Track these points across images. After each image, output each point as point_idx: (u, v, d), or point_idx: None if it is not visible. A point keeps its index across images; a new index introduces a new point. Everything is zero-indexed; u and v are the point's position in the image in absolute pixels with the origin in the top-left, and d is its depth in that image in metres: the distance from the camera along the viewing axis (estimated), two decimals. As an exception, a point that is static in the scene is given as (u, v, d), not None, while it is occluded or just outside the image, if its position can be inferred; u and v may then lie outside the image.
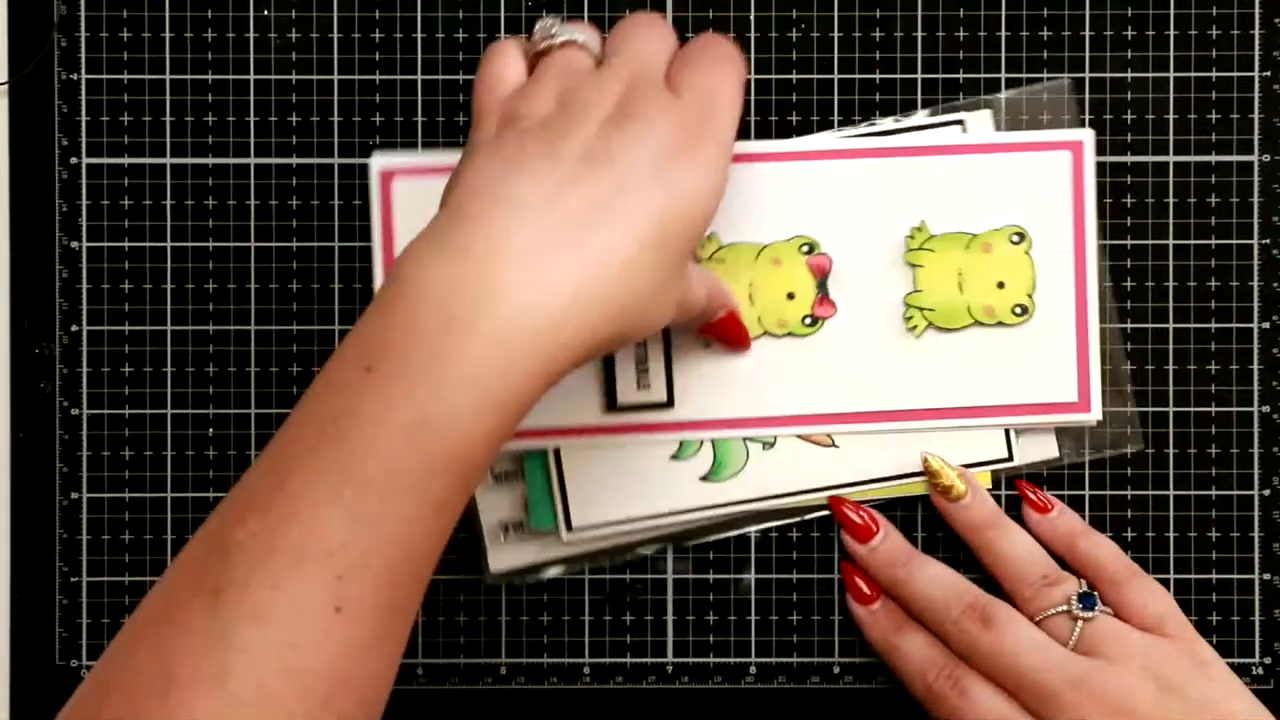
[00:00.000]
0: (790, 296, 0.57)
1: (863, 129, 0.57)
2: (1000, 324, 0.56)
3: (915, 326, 0.56)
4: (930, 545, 0.59)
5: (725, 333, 0.55)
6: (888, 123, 0.58)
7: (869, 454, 0.57)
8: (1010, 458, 0.58)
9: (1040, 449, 0.58)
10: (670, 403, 0.57)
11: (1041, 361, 0.57)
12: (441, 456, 0.42)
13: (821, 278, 0.56)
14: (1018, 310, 0.56)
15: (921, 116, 0.58)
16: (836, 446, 0.57)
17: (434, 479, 0.42)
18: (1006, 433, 0.58)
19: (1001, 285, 0.56)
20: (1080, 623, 0.54)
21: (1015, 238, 0.56)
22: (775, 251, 0.56)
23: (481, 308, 0.43)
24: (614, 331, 0.45)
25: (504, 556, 0.58)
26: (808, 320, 0.57)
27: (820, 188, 0.56)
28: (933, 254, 0.56)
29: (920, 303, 0.56)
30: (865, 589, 0.57)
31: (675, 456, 0.57)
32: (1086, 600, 0.55)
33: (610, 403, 0.57)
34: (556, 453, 0.57)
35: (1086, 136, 0.57)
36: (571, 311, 0.43)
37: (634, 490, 0.57)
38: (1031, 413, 0.57)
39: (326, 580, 0.41)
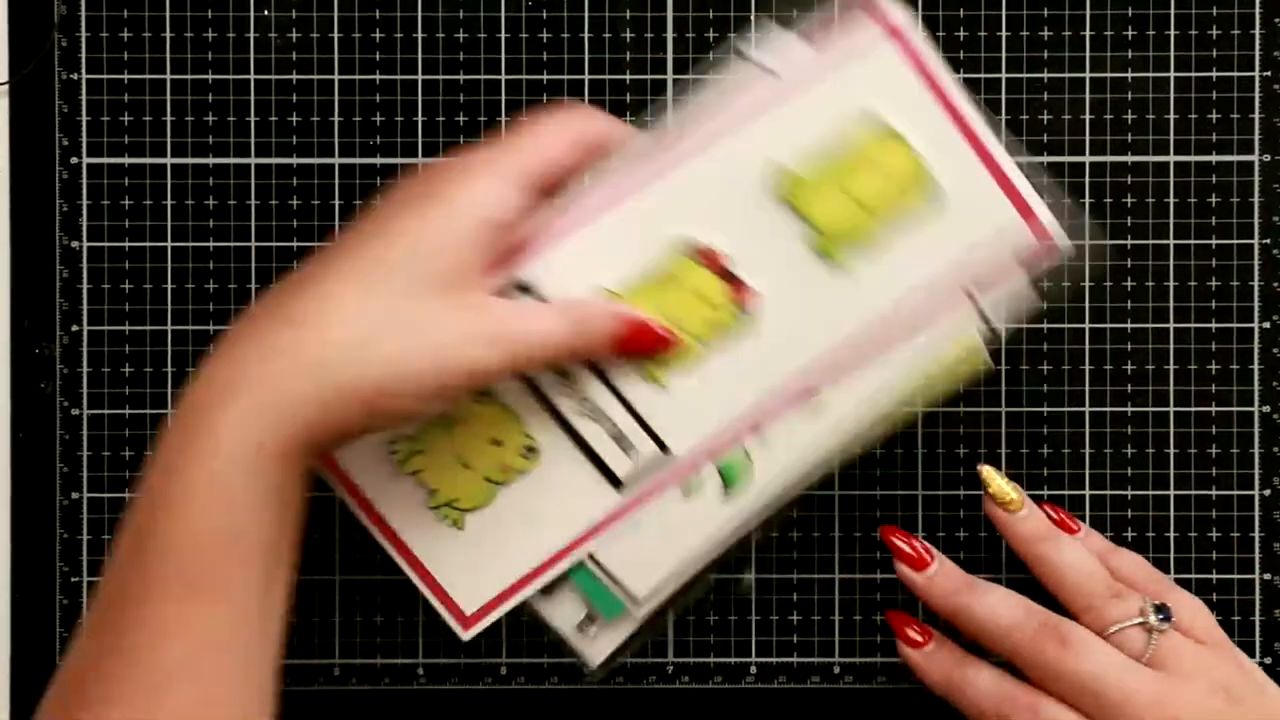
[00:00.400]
0: (708, 302, 0.55)
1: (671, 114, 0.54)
2: (916, 211, 0.54)
3: (838, 259, 0.54)
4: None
5: (640, 343, 0.52)
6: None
7: (854, 385, 0.55)
8: (986, 321, 0.55)
9: (1011, 297, 0.55)
10: (666, 449, 0.56)
11: (978, 222, 0.54)
12: (156, 552, 0.45)
13: (721, 269, 0.55)
14: (926, 195, 0.53)
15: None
16: (820, 394, 0.55)
17: (153, 586, 0.44)
18: (971, 299, 0.54)
19: (895, 181, 0.53)
20: (1155, 635, 0.53)
21: (886, 136, 0.53)
22: (663, 272, 0.54)
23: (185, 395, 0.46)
24: (346, 378, 0.45)
25: (597, 647, 0.58)
26: (738, 315, 0.55)
27: (672, 196, 0.53)
28: (814, 189, 0.54)
29: (828, 237, 0.54)
30: (916, 635, 0.57)
31: (686, 496, 0.56)
32: (1163, 612, 0.54)
33: (615, 484, 0.56)
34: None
35: (898, 14, 0.53)
36: (260, 376, 0.45)
37: (671, 540, 0.56)
38: (996, 272, 0.54)
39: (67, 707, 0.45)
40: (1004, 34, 0.59)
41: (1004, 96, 0.59)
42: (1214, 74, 0.59)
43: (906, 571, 0.56)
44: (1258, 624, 0.59)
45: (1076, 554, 0.55)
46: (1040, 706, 0.53)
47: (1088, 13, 0.59)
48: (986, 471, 0.56)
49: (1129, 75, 0.59)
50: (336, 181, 0.59)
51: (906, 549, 0.57)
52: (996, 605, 0.55)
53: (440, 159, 0.51)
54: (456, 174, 0.48)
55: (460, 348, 0.47)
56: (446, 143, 0.59)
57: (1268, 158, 0.59)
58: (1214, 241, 0.59)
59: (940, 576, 0.56)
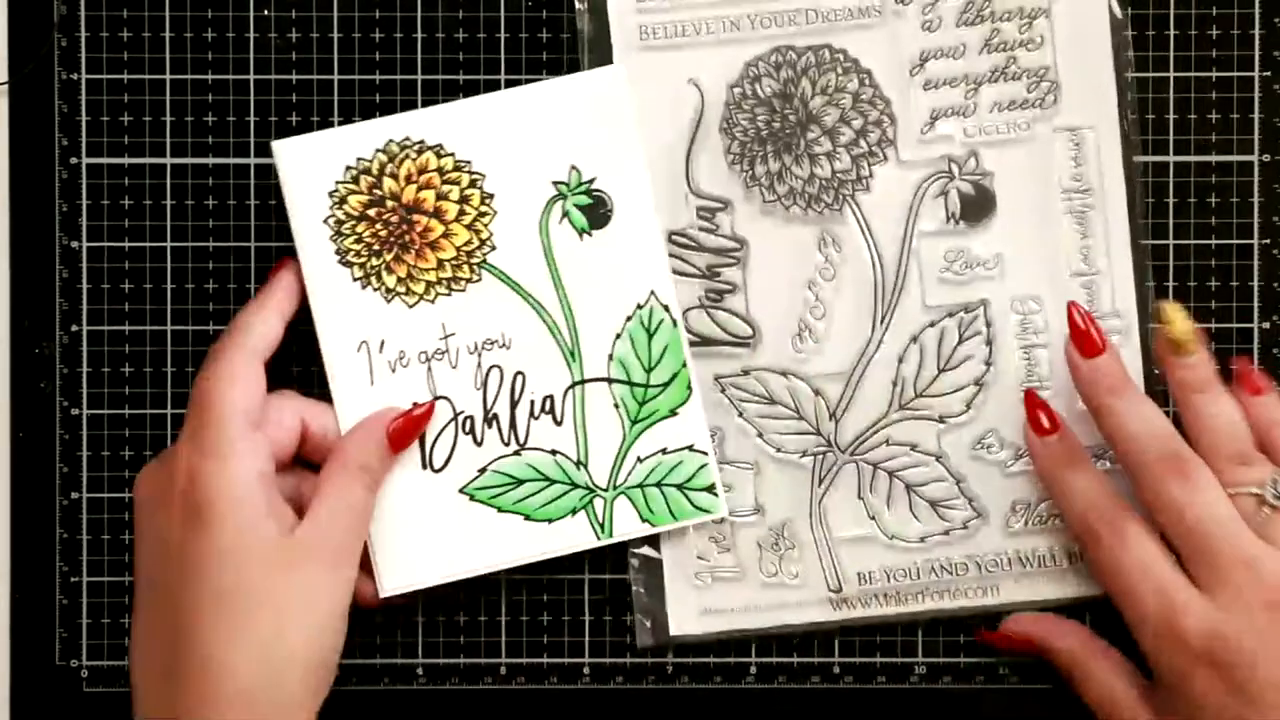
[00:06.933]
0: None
1: None
2: None
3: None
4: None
5: (409, 434, 0.57)
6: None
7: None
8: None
9: None
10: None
11: None
12: None
13: None
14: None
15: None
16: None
17: None
18: None
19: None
20: (1267, 510, 0.53)
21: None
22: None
23: None
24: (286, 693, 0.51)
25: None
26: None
27: None
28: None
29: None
30: (1045, 421, 0.56)
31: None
32: None
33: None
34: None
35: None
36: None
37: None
38: None
39: None
40: (1004, 34, 0.59)
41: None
42: (1214, 74, 0.59)
43: (1073, 353, 0.56)
44: (1258, 624, 0.59)
45: (1226, 410, 0.55)
46: (1124, 524, 0.54)
47: (1088, 13, 0.59)
48: (1169, 309, 0.55)
49: (1129, 75, 0.59)
50: (336, 181, 0.59)
51: (1083, 328, 0.55)
52: (1144, 418, 0.54)
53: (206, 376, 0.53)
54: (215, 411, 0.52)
55: (327, 597, 0.53)
56: (446, 143, 0.59)
57: (1268, 158, 0.59)
58: (1214, 241, 0.59)
59: (1105, 366, 0.55)
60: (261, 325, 0.55)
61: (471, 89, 0.59)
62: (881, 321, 0.58)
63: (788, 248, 0.58)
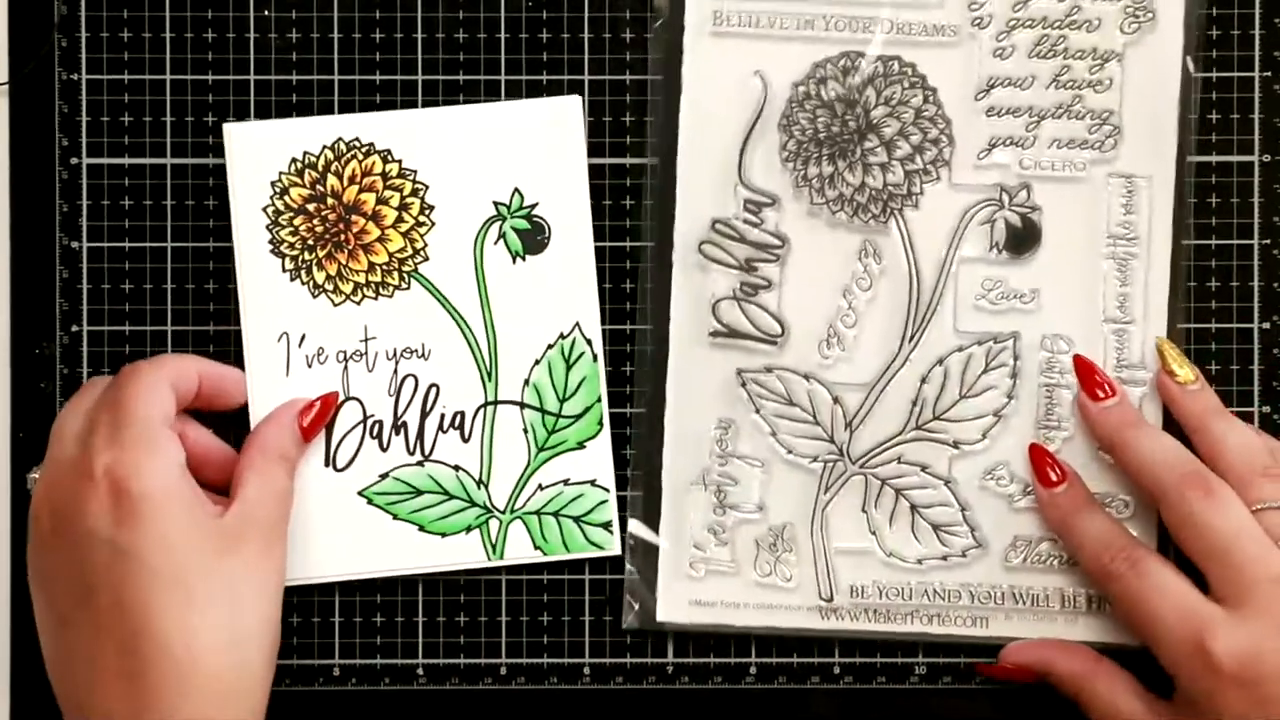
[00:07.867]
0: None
1: None
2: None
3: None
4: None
5: (319, 422, 0.58)
6: None
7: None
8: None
9: None
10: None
11: None
12: None
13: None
14: None
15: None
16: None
17: None
18: None
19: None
20: None
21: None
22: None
23: None
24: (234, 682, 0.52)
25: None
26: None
27: None
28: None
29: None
30: (1053, 474, 0.57)
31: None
32: None
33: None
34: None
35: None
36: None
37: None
38: None
39: None
40: (1004, 34, 0.59)
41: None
42: (1214, 74, 0.59)
43: (1085, 398, 0.57)
44: (1258, 624, 0.59)
45: (1239, 430, 0.56)
46: (1140, 556, 0.54)
47: (1088, 13, 0.59)
48: (1162, 344, 0.57)
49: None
50: (336, 181, 0.59)
51: (1091, 372, 0.57)
52: (1162, 446, 0.55)
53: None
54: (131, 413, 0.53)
55: (262, 589, 0.53)
56: (446, 143, 0.59)
57: (1268, 158, 0.59)
58: (1214, 242, 0.59)
59: (1118, 407, 0.57)
60: (184, 369, 0.56)
61: (472, 89, 0.59)
62: (910, 339, 0.58)
63: (829, 252, 0.58)
